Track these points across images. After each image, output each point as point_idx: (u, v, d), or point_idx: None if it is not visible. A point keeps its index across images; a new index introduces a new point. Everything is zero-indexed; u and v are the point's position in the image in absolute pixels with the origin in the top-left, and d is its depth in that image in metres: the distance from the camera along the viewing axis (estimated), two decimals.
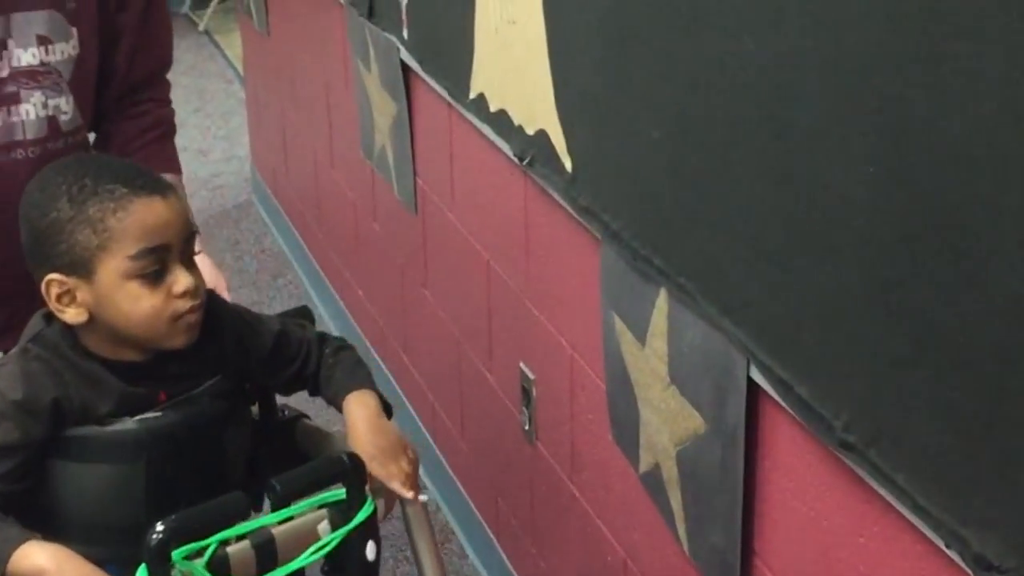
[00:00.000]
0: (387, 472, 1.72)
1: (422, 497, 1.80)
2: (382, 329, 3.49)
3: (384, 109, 3.02)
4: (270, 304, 4.20)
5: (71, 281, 1.63)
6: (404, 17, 2.67)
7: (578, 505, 2.30)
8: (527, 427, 2.48)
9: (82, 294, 1.63)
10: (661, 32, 1.64)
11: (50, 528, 1.61)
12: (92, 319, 1.65)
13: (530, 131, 2.11)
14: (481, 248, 2.58)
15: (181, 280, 1.64)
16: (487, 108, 2.29)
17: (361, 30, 3.04)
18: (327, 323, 4.00)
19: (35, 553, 1.53)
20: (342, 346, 1.88)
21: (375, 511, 1.69)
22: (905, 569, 1.37)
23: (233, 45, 6.18)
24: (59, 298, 1.64)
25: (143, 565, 1.51)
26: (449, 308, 2.88)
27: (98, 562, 1.55)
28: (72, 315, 1.64)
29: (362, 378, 1.83)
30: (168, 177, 2.11)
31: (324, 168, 3.86)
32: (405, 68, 2.79)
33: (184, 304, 1.64)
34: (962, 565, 1.23)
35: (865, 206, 1.29)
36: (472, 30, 2.28)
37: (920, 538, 1.31)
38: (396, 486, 1.72)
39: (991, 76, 1.09)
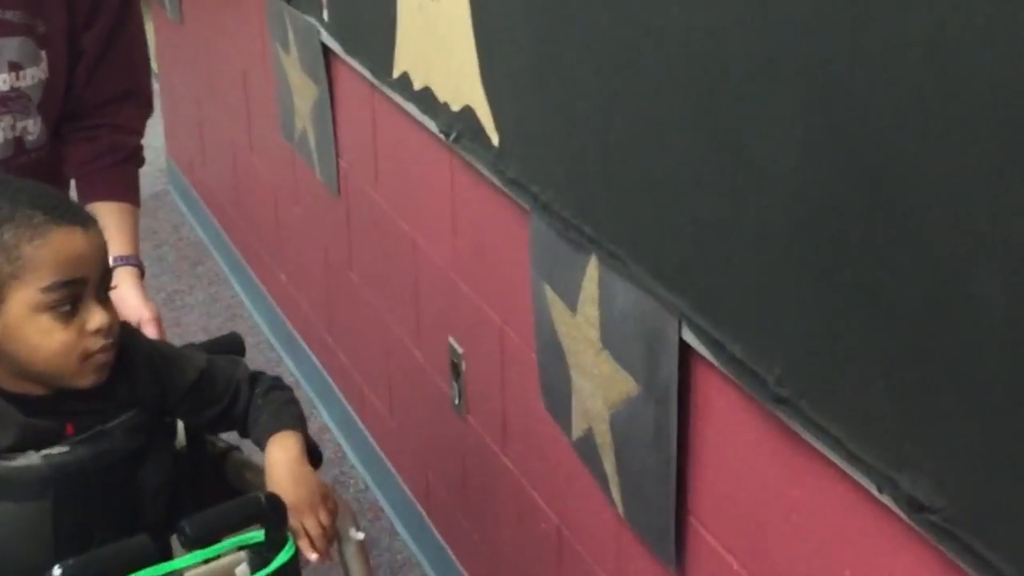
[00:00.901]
0: (297, 526, 1.65)
1: (359, 535, 1.75)
2: (306, 313, 3.49)
3: (305, 92, 3.02)
4: (191, 292, 4.19)
5: None
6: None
7: (510, 476, 2.33)
8: (457, 401, 2.50)
9: None
10: (586, 3, 1.67)
11: None
12: None
13: (456, 107, 2.13)
14: (407, 226, 2.60)
15: (96, 317, 1.56)
16: (411, 87, 2.31)
17: (280, 14, 3.04)
18: (248, 309, 3.99)
19: None
20: (274, 386, 1.80)
21: (295, 554, 1.62)
22: (837, 517, 1.41)
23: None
24: None
25: None
26: (375, 288, 2.89)
27: None
28: None
29: (289, 420, 1.74)
30: (114, 206, 2.09)
31: (243, 154, 3.85)
32: (326, 50, 2.79)
33: (96, 342, 1.57)
34: (894, 508, 1.27)
35: (793, 166, 1.33)
36: (395, 9, 2.29)
37: (852, 486, 1.35)
38: (303, 544, 1.65)
39: (916, 38, 1.13)
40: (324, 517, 1.67)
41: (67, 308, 1.54)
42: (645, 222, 1.63)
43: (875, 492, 1.30)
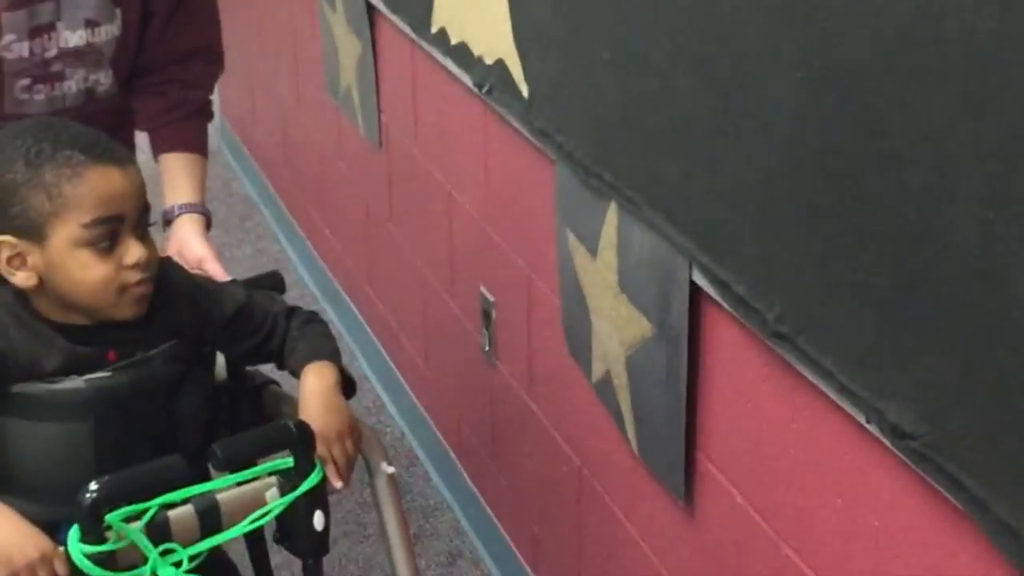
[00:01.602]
0: (325, 453, 1.69)
1: (389, 469, 1.80)
2: (347, 266, 3.58)
3: (349, 49, 3.10)
4: (239, 246, 4.28)
5: (22, 245, 1.61)
6: None
7: (535, 420, 2.40)
8: (487, 348, 2.57)
9: (33, 258, 1.61)
10: None
11: (1, 487, 1.60)
12: (41, 283, 1.63)
13: (489, 61, 2.20)
14: (443, 178, 2.67)
15: (133, 251, 1.62)
16: (448, 41, 2.38)
17: None
18: (293, 263, 4.08)
19: None
20: (310, 319, 1.86)
21: (323, 480, 1.67)
22: (830, 448, 1.48)
23: None
24: (9, 261, 1.62)
25: (75, 526, 1.51)
26: (413, 239, 2.97)
27: (50, 523, 1.54)
28: (22, 279, 1.63)
29: (325, 352, 1.80)
30: (182, 156, 2.18)
31: (291, 112, 3.93)
32: (369, 7, 2.87)
33: (134, 275, 1.63)
34: (880, 437, 1.33)
35: (792, 113, 1.39)
36: None
37: (843, 417, 1.42)
38: (329, 470, 1.69)
39: None
40: (350, 446, 1.73)
41: (105, 244, 1.61)
42: (659, 168, 1.69)
43: (863, 422, 1.36)
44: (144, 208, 1.66)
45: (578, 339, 2.09)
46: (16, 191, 1.59)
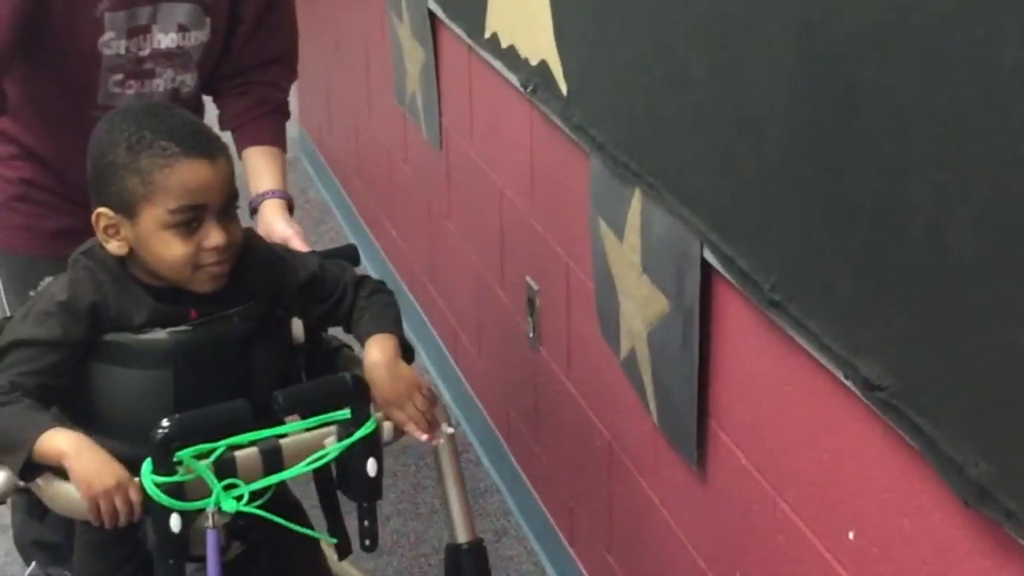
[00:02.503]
0: (401, 417, 1.84)
1: (449, 429, 1.94)
2: (411, 264, 3.74)
3: (414, 56, 3.26)
4: (313, 248, 4.45)
5: (117, 218, 1.78)
6: None
7: (573, 400, 2.54)
8: (531, 334, 2.72)
9: (125, 231, 1.78)
10: None
11: (87, 425, 1.74)
12: (131, 252, 1.80)
13: (534, 62, 2.35)
14: (494, 175, 2.82)
15: (212, 237, 1.76)
16: (499, 45, 2.54)
17: None
18: (364, 264, 4.25)
19: (59, 437, 1.68)
20: (377, 289, 1.98)
21: (376, 430, 1.81)
22: (817, 406, 1.60)
23: None
24: (106, 229, 1.79)
25: (148, 459, 1.67)
26: (468, 234, 3.12)
27: (130, 460, 1.69)
28: (115, 247, 1.80)
29: (387, 322, 1.93)
30: (265, 149, 2.35)
31: (363, 119, 4.11)
32: (432, 16, 3.03)
33: (211, 257, 1.77)
34: (854, 390, 1.46)
35: (785, 102, 1.52)
36: None
37: (826, 375, 1.54)
38: (411, 429, 1.85)
39: None
40: (420, 403, 1.86)
41: (187, 227, 1.76)
42: (675, 156, 1.83)
43: (842, 378, 1.49)
44: (230, 197, 1.81)
45: (609, 320, 2.23)
46: (116, 172, 1.77)
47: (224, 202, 1.79)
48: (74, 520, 1.87)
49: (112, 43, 2.17)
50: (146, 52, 2.21)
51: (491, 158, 2.84)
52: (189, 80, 2.30)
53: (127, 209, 1.77)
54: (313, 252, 2.10)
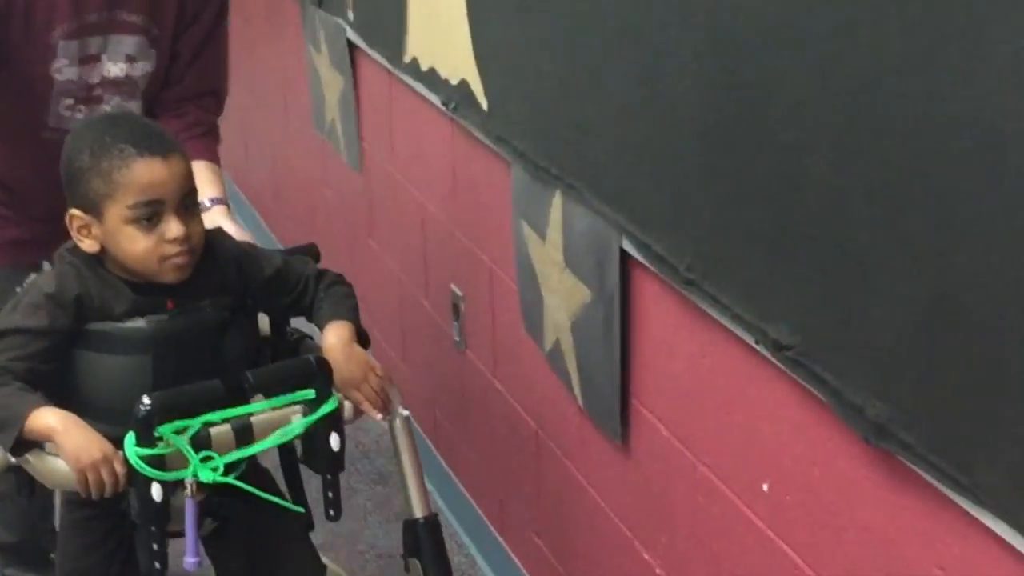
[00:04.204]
0: (358, 396, 1.98)
1: (404, 411, 2.08)
2: None
3: (333, 85, 3.39)
4: None
5: (87, 218, 1.88)
6: (349, 1, 3.05)
7: (500, 396, 2.67)
8: (457, 339, 2.84)
9: (95, 230, 1.89)
10: None
11: (72, 408, 1.83)
12: (103, 250, 1.90)
13: (454, 82, 2.49)
14: (416, 191, 2.95)
15: (172, 229, 1.86)
16: (419, 68, 2.67)
17: (313, 18, 3.41)
18: None
19: (48, 415, 1.79)
20: (335, 281, 2.12)
21: (338, 407, 1.93)
22: (730, 373, 1.75)
23: None
24: (79, 230, 1.90)
25: (130, 433, 1.79)
26: (390, 250, 3.24)
27: (114, 439, 1.79)
28: (87, 245, 1.90)
29: (344, 310, 2.06)
30: (201, 163, 2.41)
31: (281, 150, 4.22)
32: (351, 46, 3.16)
33: (172, 248, 1.87)
34: (765, 353, 1.61)
35: (695, 99, 1.67)
36: (405, 4, 2.66)
37: (739, 344, 1.69)
38: (367, 407, 1.99)
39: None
40: (375, 382, 2.00)
41: (147, 221, 1.86)
42: (593, 158, 1.98)
43: (753, 343, 1.64)
44: (186, 192, 1.91)
45: (533, 317, 2.37)
46: (82, 175, 1.88)
47: (181, 197, 1.89)
48: (32, 520, 1.96)
49: (64, 69, 2.27)
50: (96, 80, 2.32)
51: (413, 175, 2.97)
52: (134, 107, 2.41)
53: (94, 209, 1.88)
54: (279, 250, 2.24)
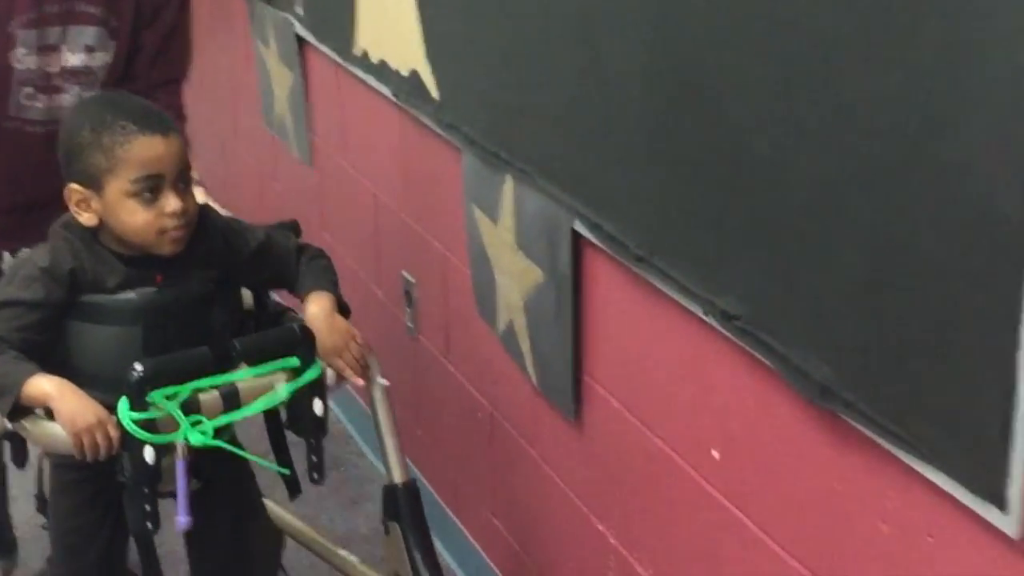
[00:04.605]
0: (339, 364, 2.06)
1: (383, 381, 2.16)
2: None
3: (282, 80, 3.43)
4: None
5: (86, 192, 1.95)
6: None
7: (454, 380, 2.72)
8: (410, 324, 2.90)
9: (94, 203, 1.95)
10: None
11: (66, 376, 1.91)
12: (101, 223, 1.97)
13: (405, 73, 2.54)
14: (368, 182, 3.00)
15: (170, 203, 1.94)
16: (369, 61, 2.72)
17: (261, 14, 3.45)
18: None
19: (44, 382, 1.88)
20: (316, 255, 2.20)
21: (321, 374, 2.01)
22: (681, 345, 1.82)
23: None
24: (77, 204, 1.97)
25: (123, 398, 1.85)
26: (343, 241, 3.29)
27: (106, 405, 1.86)
28: (86, 218, 1.97)
29: (325, 282, 2.14)
30: None
31: (230, 144, 4.25)
32: (300, 41, 3.20)
33: (171, 222, 1.95)
34: (714, 324, 1.68)
35: (642, 83, 1.74)
36: None
37: (688, 317, 1.75)
38: (348, 374, 2.08)
39: None
40: (355, 350, 2.08)
41: (148, 196, 1.94)
42: (544, 142, 2.04)
43: (702, 315, 1.70)
44: (183, 168, 1.98)
45: (486, 299, 2.42)
46: (83, 150, 1.95)
47: (178, 172, 1.96)
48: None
49: (24, 58, 2.32)
50: (55, 69, 2.36)
51: (363, 167, 3.02)
52: None
53: (95, 183, 1.95)
54: (261, 225, 2.29)
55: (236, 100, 4.07)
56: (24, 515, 2.82)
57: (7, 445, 2.13)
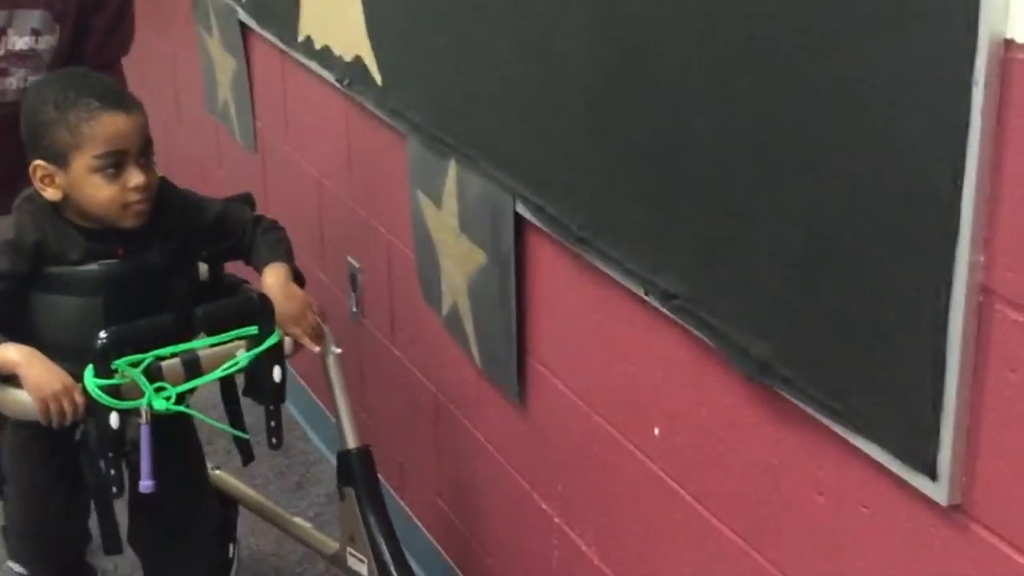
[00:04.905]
0: (296, 331, 2.14)
1: (337, 350, 2.24)
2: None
3: (226, 67, 3.42)
4: None
5: (51, 168, 2.01)
6: None
7: (399, 363, 2.74)
8: (355, 309, 2.91)
9: (59, 179, 2.02)
10: None
11: (31, 346, 1.98)
12: (65, 198, 2.03)
13: (348, 58, 2.55)
14: (312, 168, 3.01)
15: (134, 178, 2.01)
16: (313, 47, 2.72)
17: (204, 1, 3.44)
18: None
19: (11, 351, 1.95)
20: (271, 227, 2.27)
21: (280, 341, 2.09)
22: (622, 326, 1.84)
23: None
24: (42, 179, 2.03)
25: (90, 365, 1.91)
26: (289, 226, 3.26)
27: (71, 374, 1.94)
28: (51, 194, 2.03)
29: (281, 253, 2.23)
30: None
31: (172, 132, 4.23)
32: (243, 28, 3.20)
33: (134, 196, 2.02)
34: (657, 305, 1.70)
35: (581, 66, 1.76)
36: None
37: (630, 297, 1.78)
38: (306, 341, 2.16)
39: None
40: (312, 318, 2.17)
41: (112, 171, 2.00)
42: (487, 126, 2.05)
43: (643, 295, 1.73)
44: (145, 144, 2.05)
45: (430, 283, 2.44)
46: (48, 127, 2.01)
47: (141, 148, 2.04)
48: None
49: None
50: (1, 52, 2.36)
51: (308, 152, 3.03)
52: None
53: (60, 159, 2.01)
54: (216, 199, 2.36)
55: (177, 86, 4.05)
56: None
57: None
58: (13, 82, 2.42)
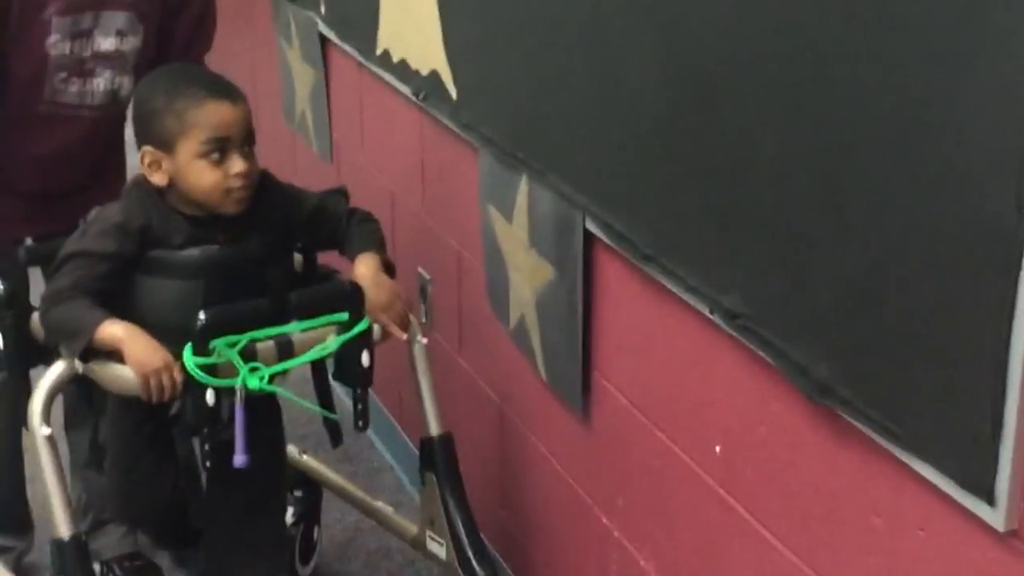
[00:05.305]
0: (384, 319, 2.20)
1: (423, 340, 2.32)
2: None
3: (304, 78, 3.48)
4: None
5: (159, 154, 2.10)
6: None
7: (465, 374, 2.77)
8: (424, 320, 2.94)
9: (166, 164, 2.11)
10: None
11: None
12: (171, 183, 2.12)
13: (424, 72, 2.58)
14: (386, 180, 3.05)
15: (236, 165, 2.09)
16: (391, 60, 2.77)
17: (285, 12, 3.50)
18: None
19: (115, 327, 2.03)
20: (365, 218, 2.35)
21: (369, 328, 2.17)
22: (686, 342, 1.86)
23: None
24: (149, 165, 2.12)
25: (188, 344, 2.00)
26: None
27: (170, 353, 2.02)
28: (157, 179, 2.12)
29: (373, 243, 2.30)
30: None
31: None
32: (323, 40, 3.25)
33: (236, 182, 2.10)
34: (718, 322, 1.72)
35: (652, 87, 1.78)
36: None
37: (694, 314, 1.80)
38: (393, 329, 2.23)
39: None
40: (400, 309, 2.24)
41: (216, 157, 2.08)
42: (558, 143, 2.08)
43: (707, 313, 1.74)
44: (248, 133, 2.14)
45: (498, 295, 2.47)
46: (157, 114, 2.11)
47: (244, 137, 2.12)
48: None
49: (58, 44, 2.40)
50: (88, 53, 2.44)
51: (382, 164, 3.07)
52: (127, 83, 2.53)
53: (167, 145, 2.10)
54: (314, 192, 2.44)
55: (256, 96, 4.11)
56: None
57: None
58: (101, 83, 2.48)
